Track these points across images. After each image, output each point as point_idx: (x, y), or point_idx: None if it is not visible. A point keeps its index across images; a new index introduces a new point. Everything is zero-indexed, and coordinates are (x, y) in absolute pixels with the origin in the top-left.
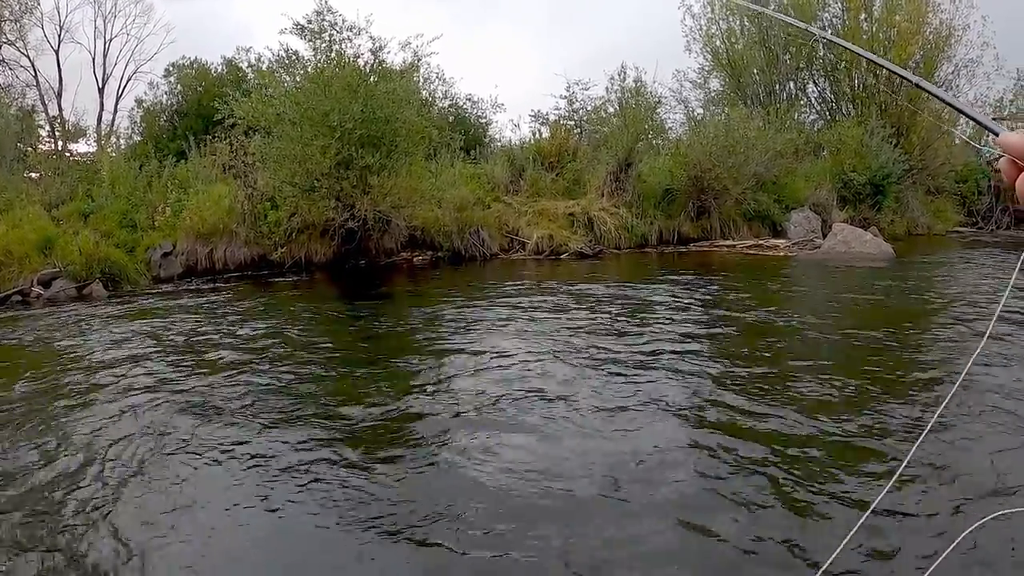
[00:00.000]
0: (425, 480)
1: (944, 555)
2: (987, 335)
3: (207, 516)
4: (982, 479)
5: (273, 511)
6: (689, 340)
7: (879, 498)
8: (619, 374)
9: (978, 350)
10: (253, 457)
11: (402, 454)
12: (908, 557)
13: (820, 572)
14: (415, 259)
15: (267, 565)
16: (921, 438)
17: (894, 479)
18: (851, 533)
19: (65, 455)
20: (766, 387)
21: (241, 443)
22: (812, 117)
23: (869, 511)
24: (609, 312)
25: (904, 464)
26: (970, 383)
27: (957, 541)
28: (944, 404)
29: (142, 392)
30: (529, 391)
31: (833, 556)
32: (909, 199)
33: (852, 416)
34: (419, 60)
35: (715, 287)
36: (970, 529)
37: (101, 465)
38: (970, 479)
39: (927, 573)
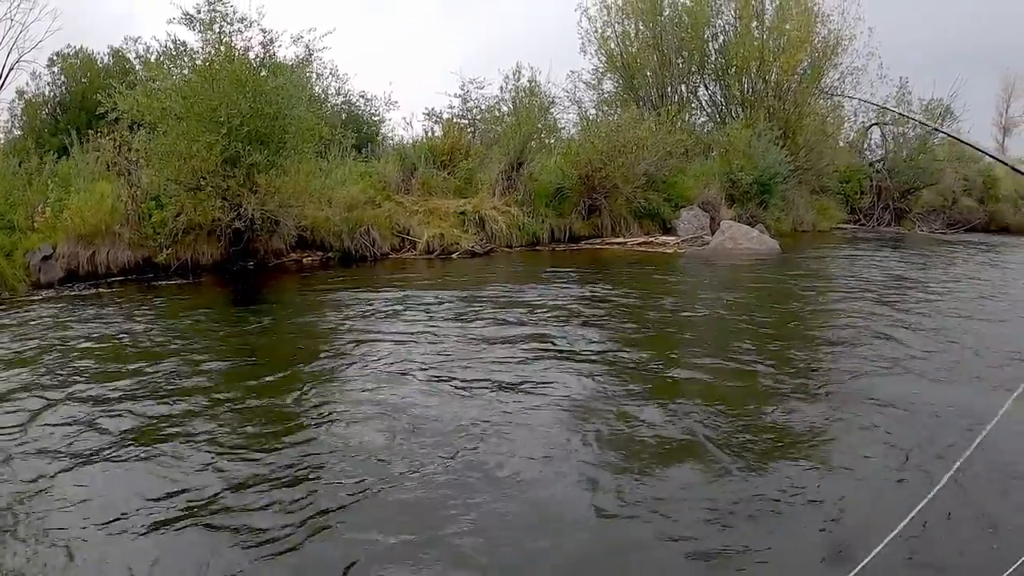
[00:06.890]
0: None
1: None
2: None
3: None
4: None
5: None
6: (579, 333)
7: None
8: (509, 372)
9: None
10: (119, 478)
11: (274, 458)
12: None
13: None
14: (305, 260)
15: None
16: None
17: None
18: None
19: None
20: (654, 373)
21: (108, 460)
22: (703, 119)
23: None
24: (497, 309)
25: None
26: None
27: None
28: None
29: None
30: (418, 391)
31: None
32: (795, 198)
33: (755, 406)
34: (311, 55)
35: (604, 282)
36: None
37: None
38: None
39: None
